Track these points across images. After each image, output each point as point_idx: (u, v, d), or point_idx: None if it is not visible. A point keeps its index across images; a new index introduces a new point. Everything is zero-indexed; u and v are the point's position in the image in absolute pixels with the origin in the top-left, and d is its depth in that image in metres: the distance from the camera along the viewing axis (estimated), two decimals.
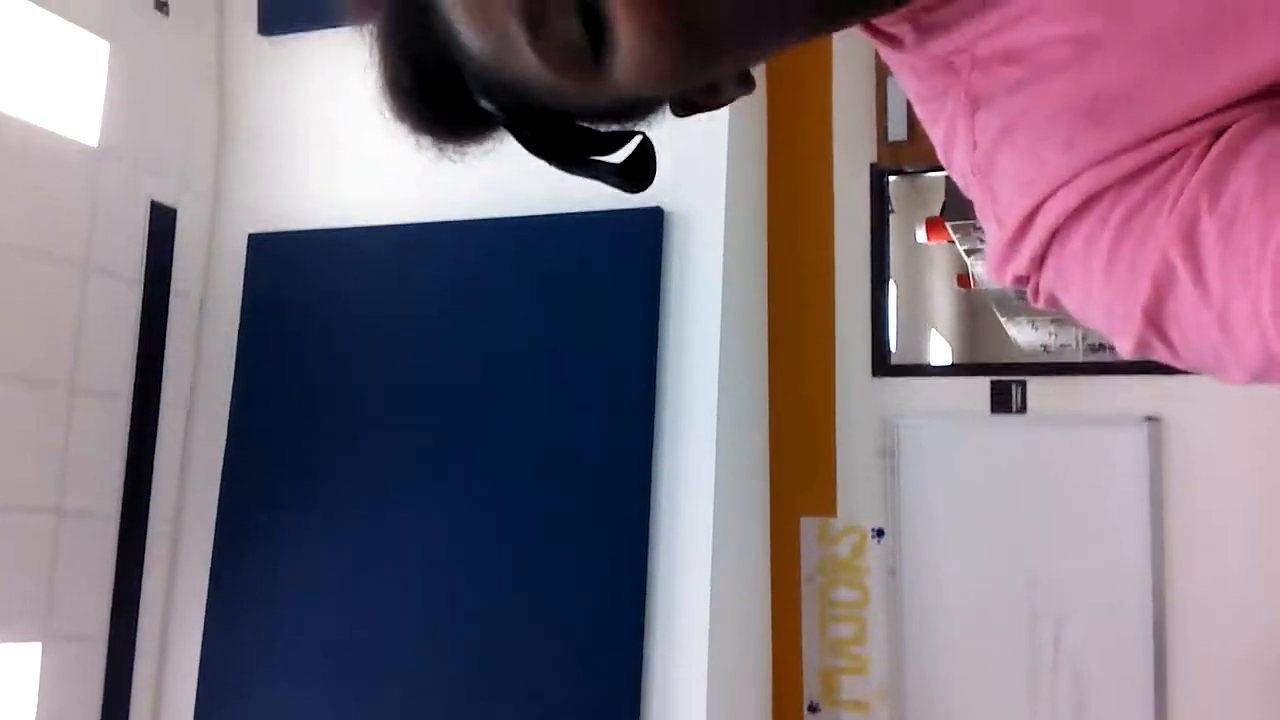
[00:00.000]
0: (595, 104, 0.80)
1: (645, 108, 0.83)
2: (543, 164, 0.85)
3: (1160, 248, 0.68)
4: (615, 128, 0.84)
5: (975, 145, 0.78)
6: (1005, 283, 0.81)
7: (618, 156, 0.85)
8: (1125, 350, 0.73)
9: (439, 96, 0.80)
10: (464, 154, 0.85)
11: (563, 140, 0.82)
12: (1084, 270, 0.73)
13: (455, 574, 3.70)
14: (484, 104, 0.79)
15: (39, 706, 3.58)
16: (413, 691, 3.66)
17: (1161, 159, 0.70)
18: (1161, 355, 0.72)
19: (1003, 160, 0.76)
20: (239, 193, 4.30)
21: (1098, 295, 0.73)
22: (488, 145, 0.85)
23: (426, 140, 0.84)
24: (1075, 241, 0.73)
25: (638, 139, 0.85)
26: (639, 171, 0.86)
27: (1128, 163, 0.70)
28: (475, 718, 3.59)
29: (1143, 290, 0.69)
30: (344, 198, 4.13)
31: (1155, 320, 0.70)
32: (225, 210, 4.30)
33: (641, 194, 0.87)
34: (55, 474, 3.66)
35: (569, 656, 3.52)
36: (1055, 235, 0.74)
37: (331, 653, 3.76)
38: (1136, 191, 0.70)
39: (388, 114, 0.83)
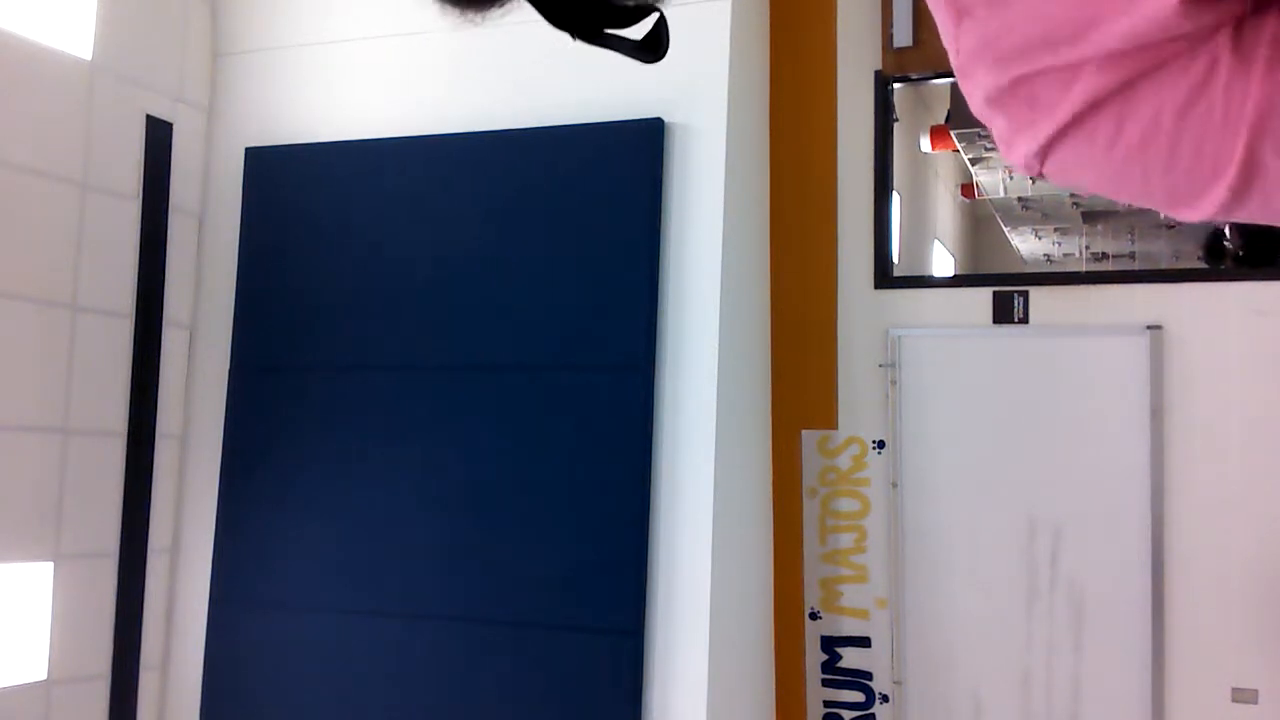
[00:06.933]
0: None
1: None
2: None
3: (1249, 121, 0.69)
4: (632, 2, 0.87)
5: (958, 51, 0.79)
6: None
7: (633, 31, 0.89)
8: (1209, 206, 0.75)
9: None
10: (485, 18, 0.89)
11: (583, 13, 0.86)
12: (1115, 162, 0.75)
13: (460, 480, 3.73)
14: None
15: (53, 624, 3.64)
16: (419, 605, 3.72)
17: (1161, 63, 0.70)
18: (1253, 199, 0.73)
19: (983, 68, 0.78)
20: (235, 106, 4.25)
21: (1157, 181, 0.75)
22: (506, 9, 0.89)
23: (449, 6, 0.88)
24: (1076, 146, 0.74)
25: (654, 15, 0.88)
26: (653, 44, 0.89)
27: (1115, 73, 0.71)
28: (481, 606, 3.66)
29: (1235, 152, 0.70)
30: (340, 111, 4.09)
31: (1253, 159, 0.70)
32: (221, 124, 4.25)
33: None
34: (61, 394, 3.67)
35: (575, 558, 3.57)
36: (1050, 144, 0.76)
37: (340, 564, 3.82)
38: (1171, 92, 0.71)
39: None
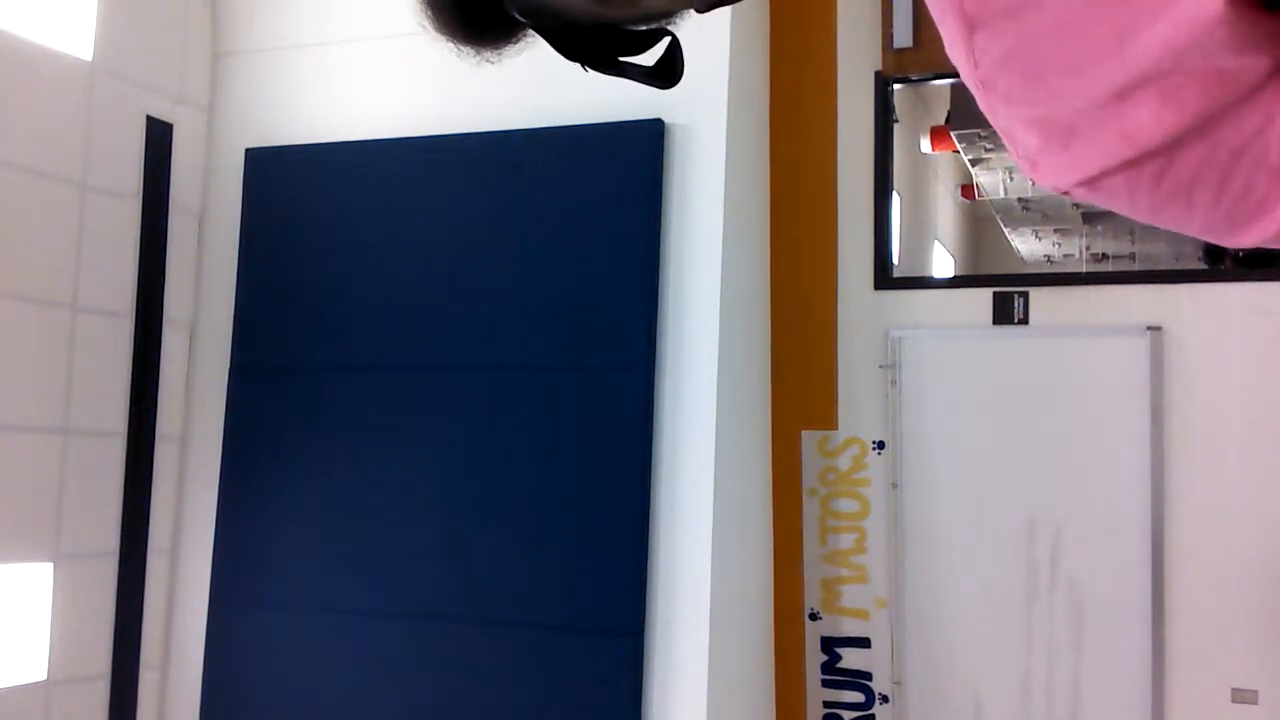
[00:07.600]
0: (631, 17, 0.84)
1: (673, 10, 0.86)
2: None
3: None
4: (644, 28, 0.87)
5: (976, 64, 0.77)
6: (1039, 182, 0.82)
7: (646, 58, 0.89)
8: (1249, 238, 0.76)
9: (477, 14, 0.88)
10: (500, 56, 0.91)
11: (594, 44, 0.86)
12: (1158, 197, 0.74)
13: (460, 480, 3.73)
14: (520, 19, 0.84)
15: (53, 625, 3.64)
16: (419, 605, 3.72)
17: (1219, 107, 0.70)
18: None
19: (1007, 82, 0.75)
20: (235, 106, 4.25)
21: (1199, 214, 0.75)
22: (521, 46, 0.90)
23: (467, 48, 0.91)
24: (1116, 182, 0.74)
25: (666, 40, 0.89)
26: (667, 70, 0.89)
27: (1170, 121, 0.70)
28: (481, 606, 3.66)
29: None
30: (340, 111, 4.09)
31: None
32: (221, 124, 4.25)
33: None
34: (61, 394, 3.67)
35: (575, 558, 3.57)
36: (1090, 180, 0.75)
37: (340, 565, 3.82)
38: (1228, 136, 0.71)
39: (428, 27, 0.91)
